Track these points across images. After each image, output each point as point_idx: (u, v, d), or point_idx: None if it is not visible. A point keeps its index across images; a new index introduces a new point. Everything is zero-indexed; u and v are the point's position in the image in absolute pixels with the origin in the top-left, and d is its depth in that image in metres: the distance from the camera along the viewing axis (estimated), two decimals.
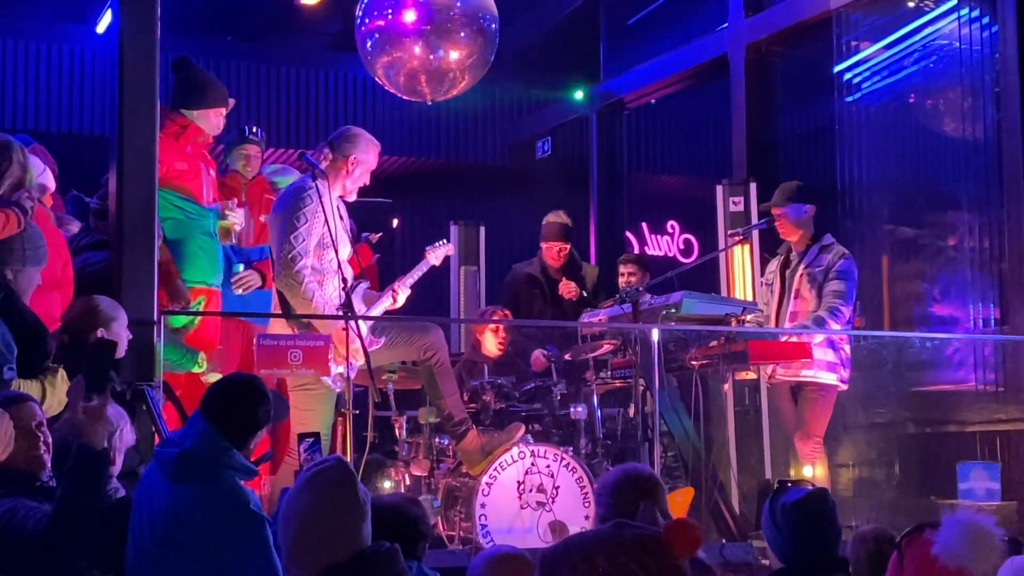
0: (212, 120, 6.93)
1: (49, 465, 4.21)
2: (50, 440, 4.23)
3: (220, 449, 4.07)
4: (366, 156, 6.70)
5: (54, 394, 4.73)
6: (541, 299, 8.88)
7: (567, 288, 8.78)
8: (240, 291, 7.08)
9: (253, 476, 4.22)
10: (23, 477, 4.12)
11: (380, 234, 8.81)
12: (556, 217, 9.03)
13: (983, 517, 3.22)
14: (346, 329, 6.10)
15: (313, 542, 3.30)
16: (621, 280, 8.94)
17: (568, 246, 8.90)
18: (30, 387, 4.64)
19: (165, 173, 6.43)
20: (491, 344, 8.34)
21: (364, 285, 6.80)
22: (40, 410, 4.29)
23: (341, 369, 6.26)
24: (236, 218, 7.02)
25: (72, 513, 3.91)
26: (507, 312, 8.55)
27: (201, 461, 4.04)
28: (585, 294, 8.82)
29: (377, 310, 6.74)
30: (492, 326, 8.35)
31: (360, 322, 6.19)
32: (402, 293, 6.84)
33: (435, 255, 7.19)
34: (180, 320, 6.46)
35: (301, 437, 4.72)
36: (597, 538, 2.36)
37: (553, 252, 8.87)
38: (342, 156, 6.64)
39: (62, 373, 4.84)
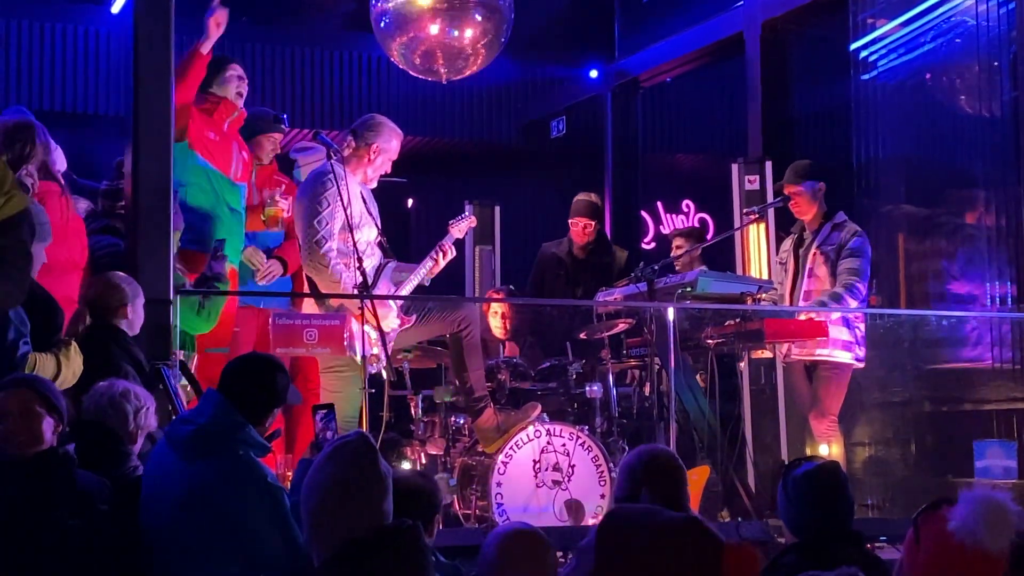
0: (231, 85, 7.06)
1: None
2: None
3: (235, 424, 4.10)
4: (388, 145, 6.75)
5: (68, 366, 4.79)
6: (564, 281, 8.87)
7: None
8: (264, 282, 7.14)
9: (266, 453, 4.24)
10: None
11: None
12: (584, 195, 9.05)
13: (999, 493, 3.20)
14: (361, 309, 6.14)
15: (335, 516, 3.29)
16: (675, 252, 8.91)
17: (594, 223, 8.87)
18: (45, 360, 4.69)
19: (195, 141, 6.64)
20: (494, 326, 8.37)
21: (392, 265, 6.83)
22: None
23: (376, 350, 6.30)
24: (284, 204, 7.16)
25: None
26: (504, 293, 8.58)
27: (216, 436, 4.07)
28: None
29: (411, 285, 6.78)
30: (494, 309, 8.37)
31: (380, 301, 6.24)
32: (444, 257, 6.90)
33: (458, 228, 7.24)
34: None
35: (315, 408, 4.75)
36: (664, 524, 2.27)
37: (579, 228, 8.86)
38: (365, 144, 6.70)
39: (75, 346, 4.90)
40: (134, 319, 5.40)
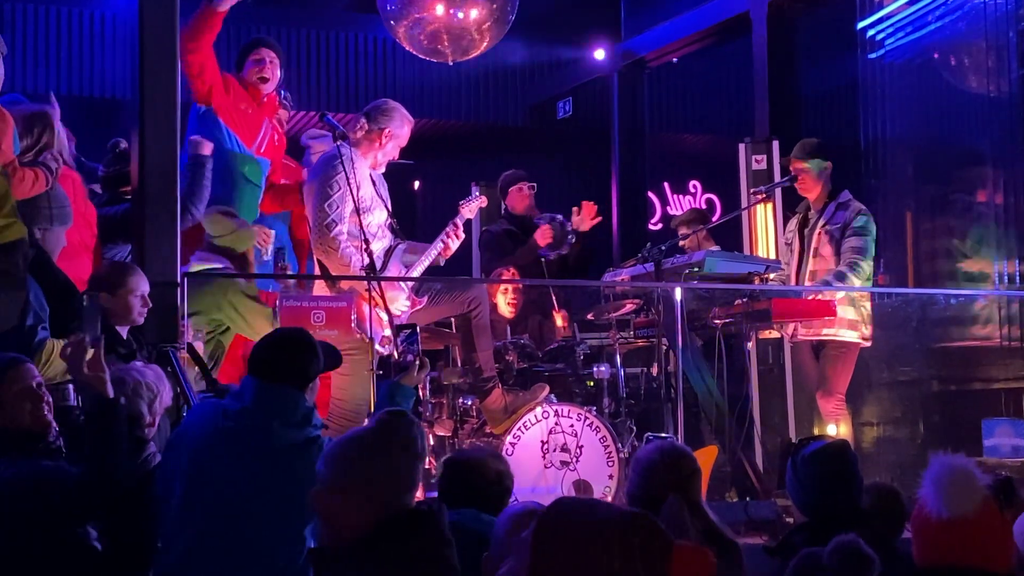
0: (252, 70, 7.20)
1: (54, 425, 4.25)
2: (51, 400, 4.26)
3: (282, 400, 4.13)
4: (400, 131, 6.76)
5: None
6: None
7: (543, 235, 8.76)
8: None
9: (321, 428, 4.27)
10: (33, 437, 4.15)
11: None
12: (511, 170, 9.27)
13: (960, 459, 3.19)
14: (368, 290, 6.15)
15: (377, 490, 3.23)
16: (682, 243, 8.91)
17: (535, 185, 9.02)
18: (60, 346, 4.67)
19: (220, 108, 6.82)
20: (502, 305, 8.38)
21: (403, 246, 6.83)
22: (37, 371, 4.32)
23: (388, 332, 6.30)
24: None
25: (98, 468, 3.95)
26: (515, 271, 8.57)
27: (263, 416, 4.08)
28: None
29: (421, 267, 6.79)
30: (501, 288, 8.39)
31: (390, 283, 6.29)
32: (455, 239, 6.91)
33: (468, 208, 7.25)
34: None
35: (399, 328, 4.80)
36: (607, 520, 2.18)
37: (524, 192, 8.97)
38: (377, 128, 6.70)
39: None
40: (115, 305, 5.33)
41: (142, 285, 5.29)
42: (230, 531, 4.01)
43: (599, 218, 8.95)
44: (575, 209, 8.88)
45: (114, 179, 6.69)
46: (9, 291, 4.52)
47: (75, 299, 4.93)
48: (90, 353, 4.02)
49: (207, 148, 6.68)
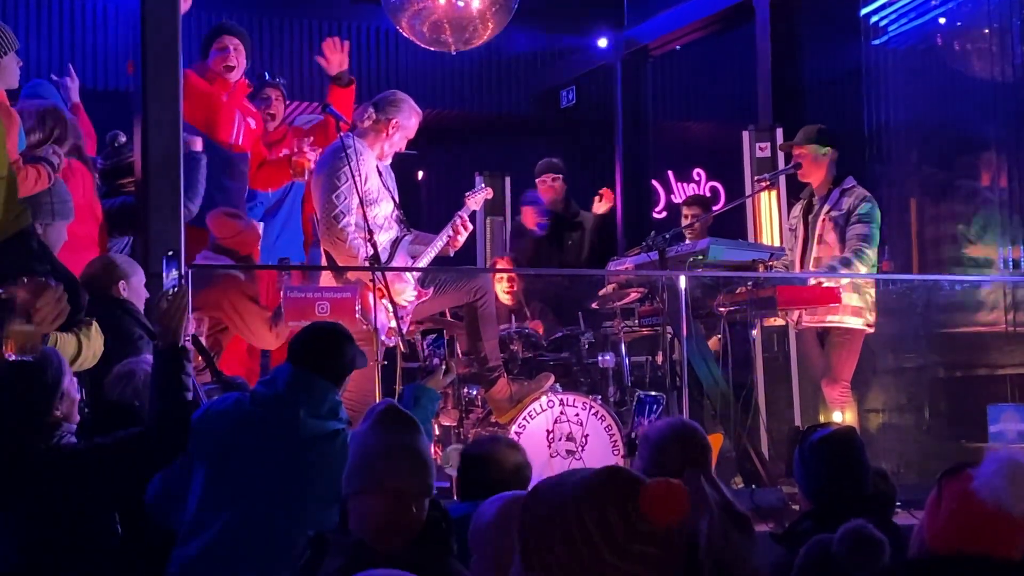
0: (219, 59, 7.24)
1: (75, 417, 4.30)
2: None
3: (313, 391, 4.16)
4: (408, 122, 6.76)
5: (89, 346, 4.80)
6: (547, 243, 9.00)
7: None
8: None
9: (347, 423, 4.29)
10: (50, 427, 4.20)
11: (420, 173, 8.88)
12: (545, 159, 9.38)
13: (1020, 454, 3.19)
14: (373, 281, 6.15)
15: (392, 477, 3.27)
16: (684, 221, 8.95)
17: (560, 178, 9.06)
18: (66, 340, 4.70)
19: (188, 116, 6.67)
20: (500, 293, 8.39)
21: (409, 238, 6.83)
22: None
23: (393, 323, 6.30)
24: (312, 156, 7.23)
25: (172, 404, 4.17)
26: (509, 260, 8.63)
27: (292, 405, 4.11)
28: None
29: (428, 257, 6.79)
30: (498, 277, 8.40)
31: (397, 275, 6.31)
32: (462, 232, 6.94)
33: (474, 200, 7.27)
34: None
35: (425, 333, 4.83)
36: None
37: (546, 184, 9.03)
38: (385, 119, 6.69)
39: (96, 326, 4.90)
40: (130, 296, 5.44)
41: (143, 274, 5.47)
42: (252, 519, 4.03)
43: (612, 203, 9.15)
44: (597, 197, 9.00)
45: (112, 172, 6.69)
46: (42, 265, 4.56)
47: (77, 292, 4.95)
48: (175, 303, 4.29)
49: (198, 144, 6.71)
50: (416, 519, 3.26)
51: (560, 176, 9.20)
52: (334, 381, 4.26)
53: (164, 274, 4.52)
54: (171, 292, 4.41)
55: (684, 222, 8.92)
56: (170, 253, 5.42)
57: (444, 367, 4.92)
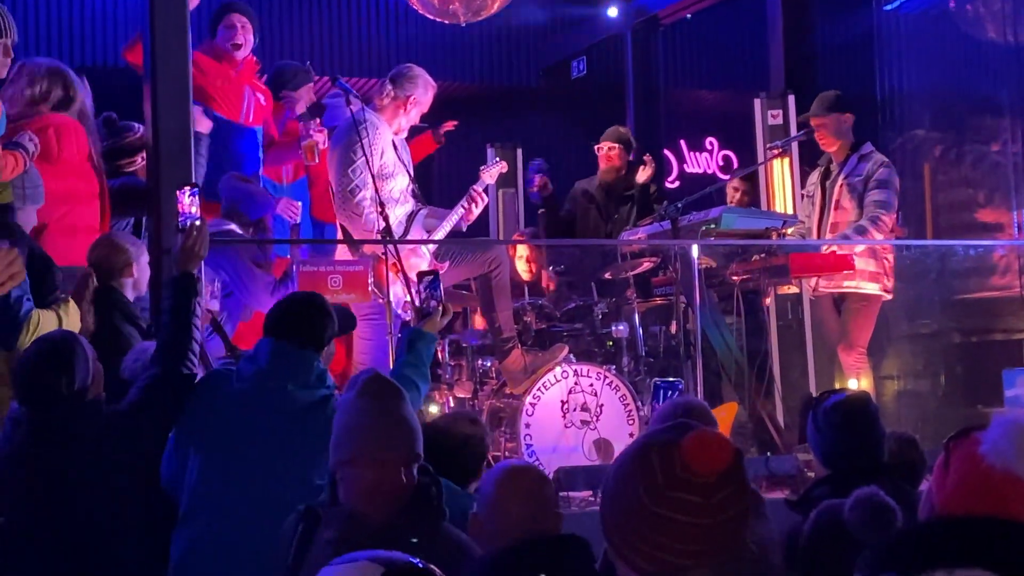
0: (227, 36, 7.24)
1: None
2: None
3: (296, 362, 4.16)
4: (424, 97, 6.80)
5: (68, 323, 4.87)
6: (596, 213, 8.94)
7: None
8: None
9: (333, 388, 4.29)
10: None
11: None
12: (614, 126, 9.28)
13: None
14: (385, 254, 6.15)
15: (380, 445, 3.29)
16: (734, 195, 8.90)
17: (618, 148, 8.96)
18: (47, 316, 4.80)
19: (197, 93, 6.65)
20: (520, 268, 8.38)
21: (424, 212, 6.84)
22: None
23: (408, 297, 6.31)
24: (321, 137, 7.22)
25: (177, 332, 4.31)
26: (526, 234, 8.62)
27: (277, 378, 4.10)
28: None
29: (443, 231, 6.79)
30: (519, 252, 8.40)
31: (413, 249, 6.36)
32: (477, 204, 6.96)
33: (489, 174, 7.29)
34: None
35: (421, 275, 4.87)
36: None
37: (603, 152, 8.98)
38: (404, 95, 6.73)
39: (72, 303, 5.03)
40: (140, 277, 5.49)
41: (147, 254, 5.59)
42: (250, 493, 4.03)
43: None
44: (641, 167, 9.06)
45: (111, 153, 6.70)
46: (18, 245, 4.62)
47: (52, 272, 5.04)
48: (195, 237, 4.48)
49: (204, 125, 6.71)
50: (406, 486, 3.27)
51: (618, 146, 9.06)
52: (315, 349, 4.25)
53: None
54: (193, 225, 4.54)
55: (734, 196, 8.85)
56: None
57: (440, 308, 4.89)
